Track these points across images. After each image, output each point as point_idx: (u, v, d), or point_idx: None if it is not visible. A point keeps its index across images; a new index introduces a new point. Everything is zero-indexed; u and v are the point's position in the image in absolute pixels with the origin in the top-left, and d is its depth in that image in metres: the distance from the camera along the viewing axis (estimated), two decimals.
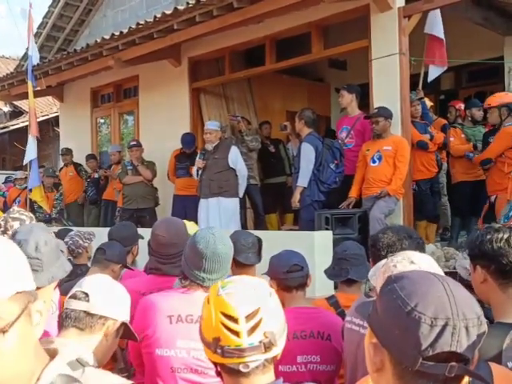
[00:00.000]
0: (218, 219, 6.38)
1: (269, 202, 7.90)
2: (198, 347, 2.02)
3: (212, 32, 6.66)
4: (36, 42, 9.55)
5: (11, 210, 2.93)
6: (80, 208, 9.54)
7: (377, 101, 5.87)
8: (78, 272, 3.31)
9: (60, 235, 3.97)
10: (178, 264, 2.47)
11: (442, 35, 6.50)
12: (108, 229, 3.88)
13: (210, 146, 6.64)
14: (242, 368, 1.34)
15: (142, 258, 3.58)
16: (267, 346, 1.34)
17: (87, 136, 10.01)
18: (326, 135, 6.92)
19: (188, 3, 6.30)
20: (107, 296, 1.85)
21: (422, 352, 0.96)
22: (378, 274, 1.85)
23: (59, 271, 1.98)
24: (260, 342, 1.34)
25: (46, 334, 1.83)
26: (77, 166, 9.53)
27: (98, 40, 7.48)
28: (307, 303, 2.67)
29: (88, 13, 10.87)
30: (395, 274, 1.11)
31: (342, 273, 2.92)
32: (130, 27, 7.01)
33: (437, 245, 6.00)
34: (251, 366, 1.34)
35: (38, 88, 8.71)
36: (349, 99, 6.22)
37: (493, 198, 5.55)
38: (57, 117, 11.94)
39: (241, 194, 6.72)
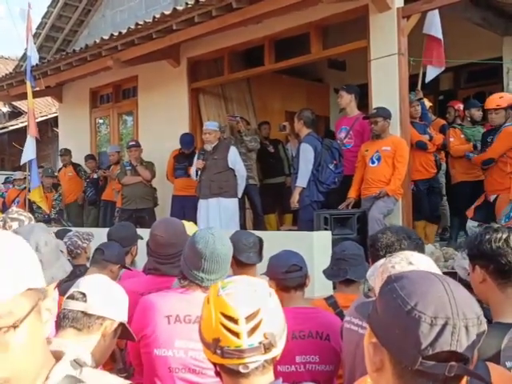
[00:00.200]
0: (219, 219, 6.39)
1: (268, 202, 7.90)
2: (196, 347, 2.03)
3: (211, 32, 6.66)
4: (35, 43, 9.56)
5: (10, 210, 2.93)
6: (79, 208, 9.54)
7: (376, 101, 5.87)
8: (76, 272, 3.30)
9: (59, 236, 3.96)
10: (177, 264, 2.47)
11: (440, 35, 6.50)
12: (107, 229, 3.88)
13: (209, 147, 6.64)
14: (241, 369, 1.34)
15: (141, 258, 3.58)
16: (267, 347, 1.34)
17: (86, 136, 10.01)
18: (326, 136, 6.92)
19: (187, 3, 6.30)
20: (105, 296, 1.85)
21: (421, 351, 0.96)
22: (376, 275, 1.85)
23: (59, 272, 1.98)
24: (260, 343, 1.34)
25: None
26: (76, 166, 9.52)
27: (97, 40, 7.47)
28: (306, 303, 2.67)
29: (87, 13, 10.88)
30: (395, 274, 1.11)
31: (341, 273, 2.92)
32: (129, 27, 7.01)
33: (436, 245, 6.00)
34: (251, 366, 1.34)
35: (37, 88, 8.70)
36: (348, 99, 6.23)
37: (492, 198, 5.55)
38: (56, 117, 11.94)
39: (239, 195, 6.72)
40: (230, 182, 6.57)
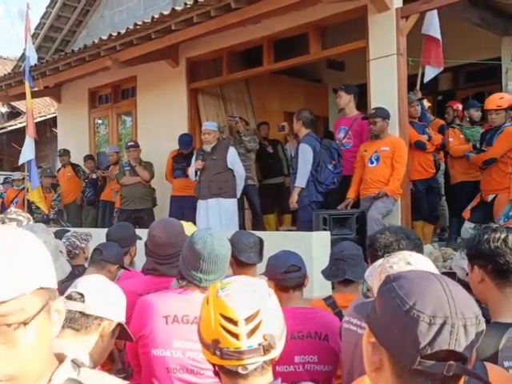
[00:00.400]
0: (218, 220, 6.39)
1: (267, 202, 7.90)
2: (194, 348, 2.03)
3: (210, 32, 6.66)
4: (34, 43, 9.55)
5: (8, 210, 2.93)
6: (78, 209, 9.53)
7: (374, 101, 5.87)
8: (75, 273, 3.30)
9: (57, 236, 3.95)
10: (176, 264, 2.47)
11: (438, 36, 6.51)
12: (106, 229, 3.88)
13: (208, 147, 6.63)
14: (240, 370, 1.34)
15: (140, 258, 3.58)
16: (266, 349, 1.34)
17: (85, 137, 10.00)
18: (325, 136, 6.92)
19: (186, 4, 6.30)
20: (103, 296, 1.85)
21: (420, 350, 0.96)
22: (374, 275, 1.85)
23: (58, 272, 1.97)
24: (259, 344, 1.34)
25: None
26: (75, 166, 9.52)
27: (96, 41, 7.47)
28: (305, 303, 2.67)
29: (86, 13, 10.87)
30: (394, 274, 1.11)
31: (339, 273, 2.92)
32: (128, 28, 7.01)
33: (435, 245, 6.00)
34: (250, 368, 1.34)
35: (36, 89, 8.70)
36: (346, 100, 6.23)
37: (490, 198, 5.55)
38: (54, 117, 11.93)
39: (238, 195, 6.72)
40: (229, 182, 6.57)
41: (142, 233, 3.58)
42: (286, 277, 2.56)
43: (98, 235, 4.07)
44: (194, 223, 5.24)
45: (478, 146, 6.16)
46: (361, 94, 6.32)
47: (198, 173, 6.61)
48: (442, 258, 5.37)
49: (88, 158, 9.37)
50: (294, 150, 6.65)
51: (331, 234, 5.08)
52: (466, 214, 5.76)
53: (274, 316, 1.40)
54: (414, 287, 1.02)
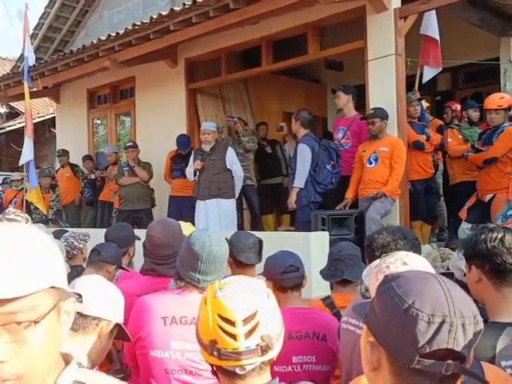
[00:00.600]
0: (218, 220, 6.39)
1: (265, 202, 7.91)
2: (193, 349, 2.02)
3: (208, 33, 6.66)
4: (32, 43, 9.54)
5: (7, 211, 2.93)
6: (77, 209, 9.53)
7: (373, 102, 5.87)
8: (73, 273, 3.30)
9: (55, 236, 3.96)
10: (174, 265, 2.47)
11: (437, 36, 6.51)
12: (104, 230, 3.88)
13: (207, 147, 6.62)
14: (238, 370, 1.34)
15: (139, 259, 3.58)
16: (264, 350, 1.34)
17: (84, 137, 10.00)
18: (324, 137, 6.92)
19: (184, 4, 6.30)
20: (100, 297, 1.85)
21: (418, 349, 0.96)
22: (371, 275, 1.85)
23: None
24: (257, 345, 1.34)
25: None
26: (73, 166, 9.52)
27: (95, 41, 7.47)
28: (303, 304, 2.67)
29: (84, 14, 10.87)
30: (392, 273, 1.11)
31: (337, 273, 2.92)
32: (127, 28, 7.00)
33: (433, 245, 6.01)
34: (247, 368, 1.34)
35: (35, 89, 8.69)
36: (345, 100, 6.23)
37: (487, 198, 5.55)
38: (53, 118, 11.92)
39: (237, 195, 6.72)
40: (228, 183, 6.57)
41: (141, 233, 3.58)
42: (284, 277, 2.56)
43: (97, 236, 4.06)
44: (193, 223, 5.25)
45: (475, 145, 6.17)
46: (359, 95, 6.32)
47: (197, 173, 6.60)
48: (441, 258, 5.38)
49: (87, 158, 9.36)
50: (292, 151, 6.65)
51: (330, 235, 5.08)
52: (463, 214, 5.76)
53: (272, 316, 1.39)
54: (413, 286, 1.02)
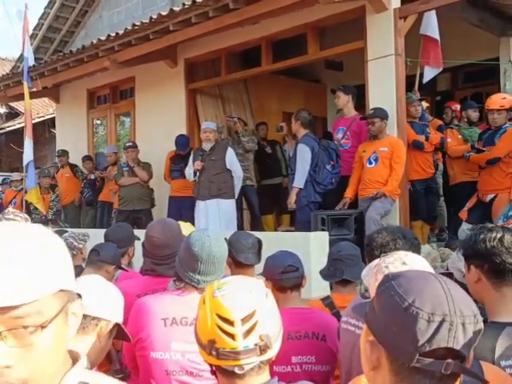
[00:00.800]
0: (218, 221, 6.39)
1: (265, 203, 7.91)
2: (193, 350, 2.01)
3: (208, 33, 6.66)
4: (32, 44, 9.55)
5: (6, 211, 2.92)
6: (77, 209, 9.53)
7: (373, 102, 5.87)
8: None
9: None
10: (173, 265, 2.46)
11: (437, 36, 6.51)
12: (104, 230, 3.88)
13: (208, 145, 6.61)
14: (237, 370, 1.34)
15: (139, 259, 3.58)
16: (262, 349, 1.34)
17: (83, 137, 10.00)
18: (324, 137, 6.92)
19: (184, 4, 6.30)
20: (100, 297, 1.84)
21: (418, 348, 0.96)
22: (370, 275, 1.85)
23: None
24: (255, 344, 1.34)
25: None
26: (73, 167, 9.52)
27: (94, 41, 7.47)
28: (302, 304, 2.66)
29: (84, 14, 10.87)
30: (392, 273, 1.11)
31: (337, 273, 2.92)
32: (126, 28, 7.01)
33: (433, 245, 6.00)
34: (246, 367, 1.34)
35: (34, 89, 8.69)
36: (345, 100, 6.23)
37: (488, 198, 5.55)
38: (53, 118, 11.93)
39: (236, 195, 6.72)
40: (228, 183, 6.57)
41: (141, 233, 3.58)
42: (284, 277, 2.55)
43: (97, 236, 4.06)
44: (193, 224, 5.25)
45: (476, 145, 6.16)
46: (359, 95, 6.32)
47: (197, 173, 6.60)
48: (441, 258, 5.38)
49: (86, 158, 9.36)
50: (292, 151, 6.65)
51: (329, 235, 5.08)
52: (463, 214, 5.76)
53: (271, 316, 1.39)
54: (413, 285, 1.02)
